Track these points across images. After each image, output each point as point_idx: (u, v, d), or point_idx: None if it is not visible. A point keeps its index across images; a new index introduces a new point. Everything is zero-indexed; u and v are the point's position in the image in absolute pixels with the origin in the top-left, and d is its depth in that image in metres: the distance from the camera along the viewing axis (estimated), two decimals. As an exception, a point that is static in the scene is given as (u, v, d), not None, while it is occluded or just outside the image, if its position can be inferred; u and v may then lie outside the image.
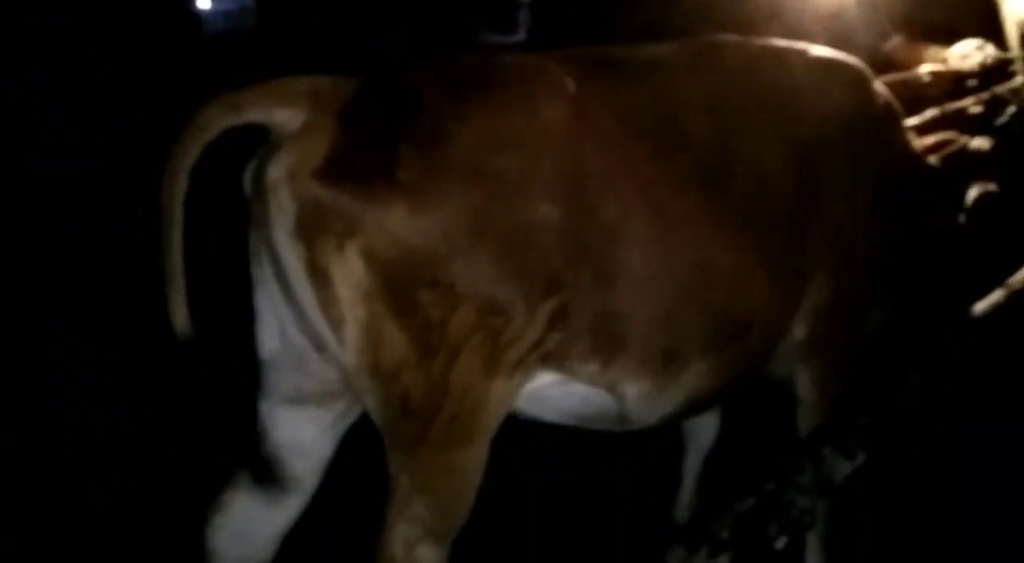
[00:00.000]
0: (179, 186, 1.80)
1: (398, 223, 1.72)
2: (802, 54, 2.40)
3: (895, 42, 3.40)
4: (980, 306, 2.47)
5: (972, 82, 3.11)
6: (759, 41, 2.40)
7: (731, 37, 2.38)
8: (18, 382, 3.98)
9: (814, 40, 2.54)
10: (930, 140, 2.70)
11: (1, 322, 4.52)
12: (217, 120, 1.81)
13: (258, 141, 1.87)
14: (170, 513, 3.00)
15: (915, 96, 2.90)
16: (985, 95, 2.98)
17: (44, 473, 3.36)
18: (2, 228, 5.63)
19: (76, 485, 3.28)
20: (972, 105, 2.99)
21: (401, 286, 1.74)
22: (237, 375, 2.02)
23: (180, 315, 1.88)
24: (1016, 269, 2.59)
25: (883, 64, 3.15)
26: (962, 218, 2.66)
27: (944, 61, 3.19)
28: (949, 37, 3.25)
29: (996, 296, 2.50)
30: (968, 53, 3.16)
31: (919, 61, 3.24)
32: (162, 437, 3.52)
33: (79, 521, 3.08)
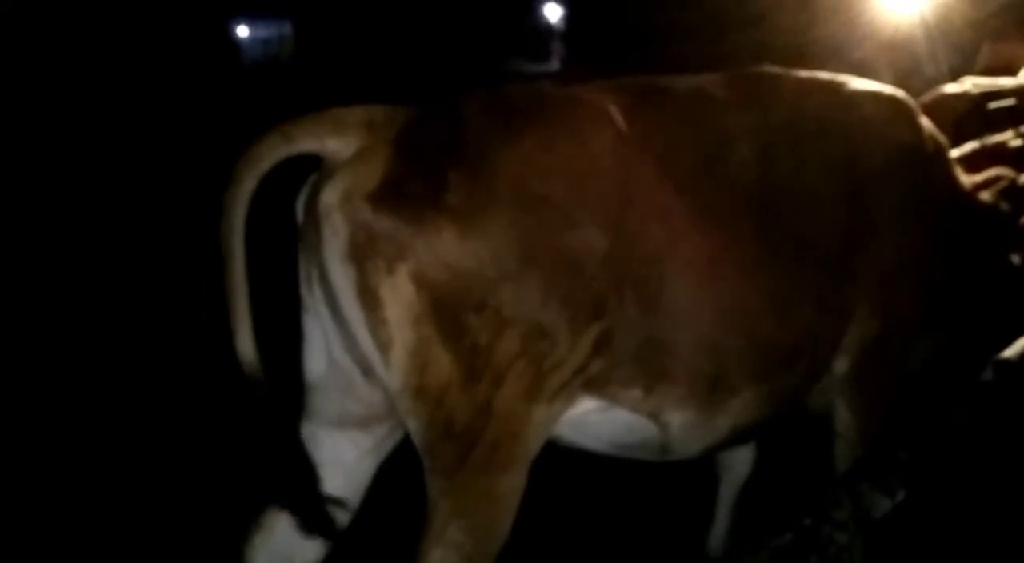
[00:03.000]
0: (238, 218, 1.82)
1: (447, 247, 1.75)
2: (846, 85, 2.40)
3: (985, 50, 3.30)
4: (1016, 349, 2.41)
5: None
6: (803, 73, 2.41)
7: (775, 68, 2.39)
8: (18, 382, 4.00)
9: (878, 73, 2.51)
10: (979, 176, 2.67)
11: (1, 322, 4.57)
12: (272, 151, 1.83)
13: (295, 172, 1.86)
14: (169, 513, 3.04)
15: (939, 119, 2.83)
16: None
17: (44, 473, 3.37)
18: (2, 228, 5.73)
19: (76, 485, 3.29)
20: (1012, 138, 2.95)
21: (449, 309, 1.76)
22: (238, 376, 1.93)
23: (247, 351, 1.85)
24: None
25: (983, 69, 3.08)
26: (1013, 254, 2.63)
27: None
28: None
29: None
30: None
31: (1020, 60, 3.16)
32: (162, 437, 3.52)
33: (79, 521, 3.08)
